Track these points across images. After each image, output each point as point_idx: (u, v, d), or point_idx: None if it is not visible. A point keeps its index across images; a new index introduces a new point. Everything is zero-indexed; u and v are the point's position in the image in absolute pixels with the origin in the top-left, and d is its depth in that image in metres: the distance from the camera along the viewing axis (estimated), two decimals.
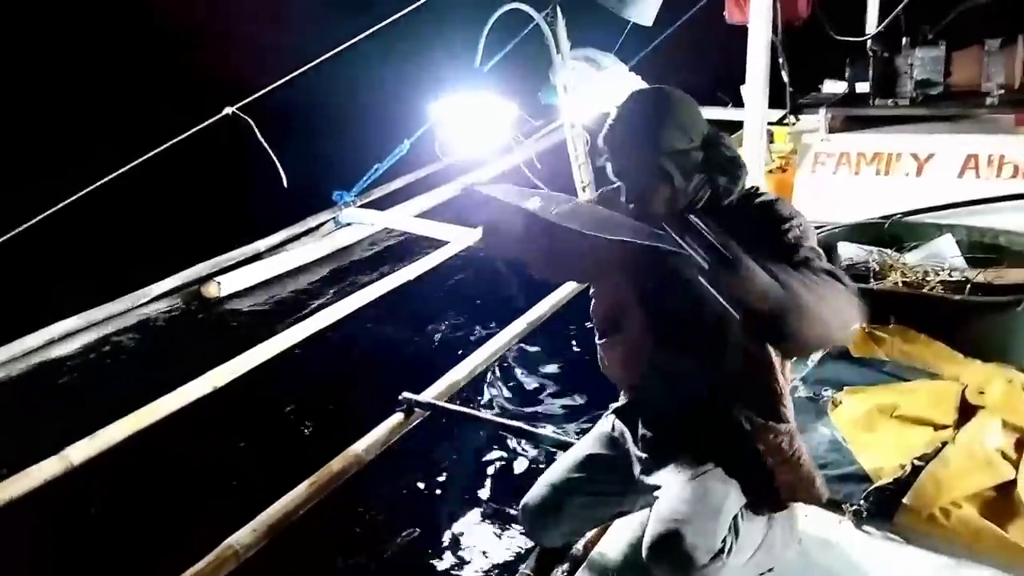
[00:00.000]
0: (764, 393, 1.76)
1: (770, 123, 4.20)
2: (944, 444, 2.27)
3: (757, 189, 1.78)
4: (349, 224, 5.97)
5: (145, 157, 2.95)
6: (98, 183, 2.87)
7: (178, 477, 3.09)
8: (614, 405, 2.06)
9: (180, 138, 2.94)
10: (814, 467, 1.86)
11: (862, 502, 2.14)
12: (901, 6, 3.55)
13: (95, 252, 5.65)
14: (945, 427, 2.37)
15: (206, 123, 2.98)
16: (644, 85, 4.57)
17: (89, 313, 4.52)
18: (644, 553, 1.69)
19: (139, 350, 4.45)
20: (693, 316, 1.69)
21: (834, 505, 2.12)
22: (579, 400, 3.45)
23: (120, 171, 2.91)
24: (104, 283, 4.81)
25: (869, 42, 3.96)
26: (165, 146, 2.92)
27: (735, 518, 1.71)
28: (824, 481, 1.89)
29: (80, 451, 2.87)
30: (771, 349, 1.73)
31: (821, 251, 1.62)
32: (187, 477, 3.09)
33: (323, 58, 3.40)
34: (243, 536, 2.34)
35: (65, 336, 4.39)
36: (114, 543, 2.84)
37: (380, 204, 6.22)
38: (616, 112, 1.74)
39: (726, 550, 1.66)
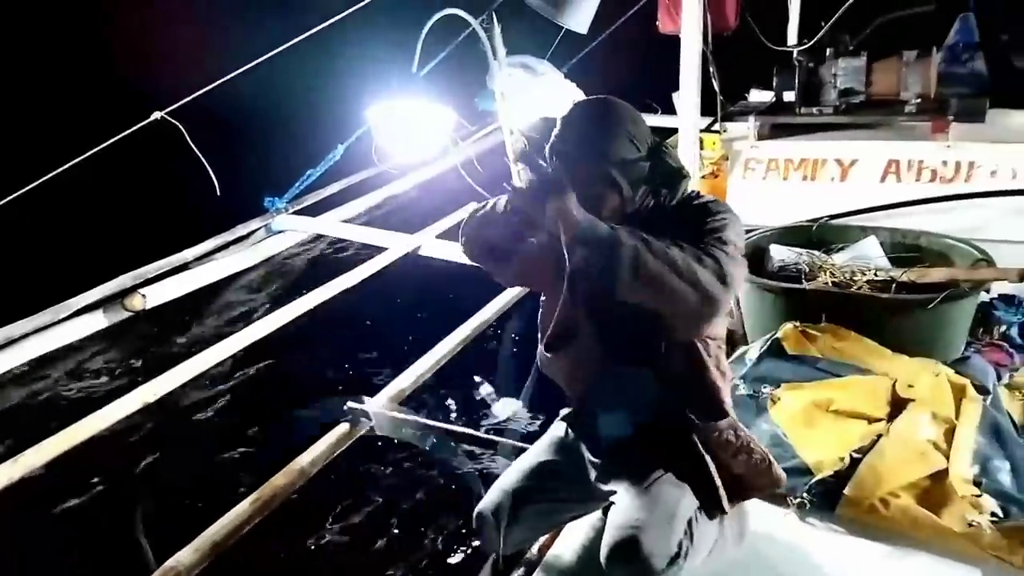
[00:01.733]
0: (701, 391, 1.80)
1: (700, 130, 4.31)
2: (879, 436, 2.36)
3: (697, 193, 1.81)
4: (281, 231, 5.81)
5: (68, 165, 2.80)
6: (18, 192, 2.71)
7: (112, 498, 2.94)
8: (564, 411, 2.07)
9: (106, 144, 2.81)
10: (766, 451, 1.90)
11: (805, 494, 2.21)
12: (830, 23, 3.70)
13: (12, 264, 5.34)
14: (879, 420, 2.47)
15: (133, 128, 2.85)
16: (579, 92, 4.65)
17: (6, 329, 4.25)
18: (603, 561, 1.70)
19: (62, 367, 4.22)
20: (638, 322, 1.71)
21: (778, 498, 2.19)
22: (527, 406, 3.45)
23: (42, 180, 2.76)
24: (22, 297, 4.54)
25: (795, 52, 4.11)
26: (90, 153, 2.78)
27: (689, 521, 1.74)
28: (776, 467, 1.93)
29: (1, 475, 2.71)
30: (699, 345, 1.76)
31: (730, 240, 1.64)
32: (122, 497, 2.94)
33: (255, 62, 3.31)
34: (185, 556, 2.24)
35: None
36: (49, 569, 2.68)
37: (313, 210, 6.08)
38: (563, 121, 1.74)
39: (682, 554, 1.68)
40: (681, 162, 1.78)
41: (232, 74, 3.16)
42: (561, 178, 1.61)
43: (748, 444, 1.85)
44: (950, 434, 2.36)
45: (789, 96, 4.38)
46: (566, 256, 1.62)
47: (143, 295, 4.76)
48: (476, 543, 2.66)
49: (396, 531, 2.76)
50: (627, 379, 1.81)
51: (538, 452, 2.01)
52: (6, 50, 8.40)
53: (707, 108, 4.22)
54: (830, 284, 3.02)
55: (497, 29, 4.23)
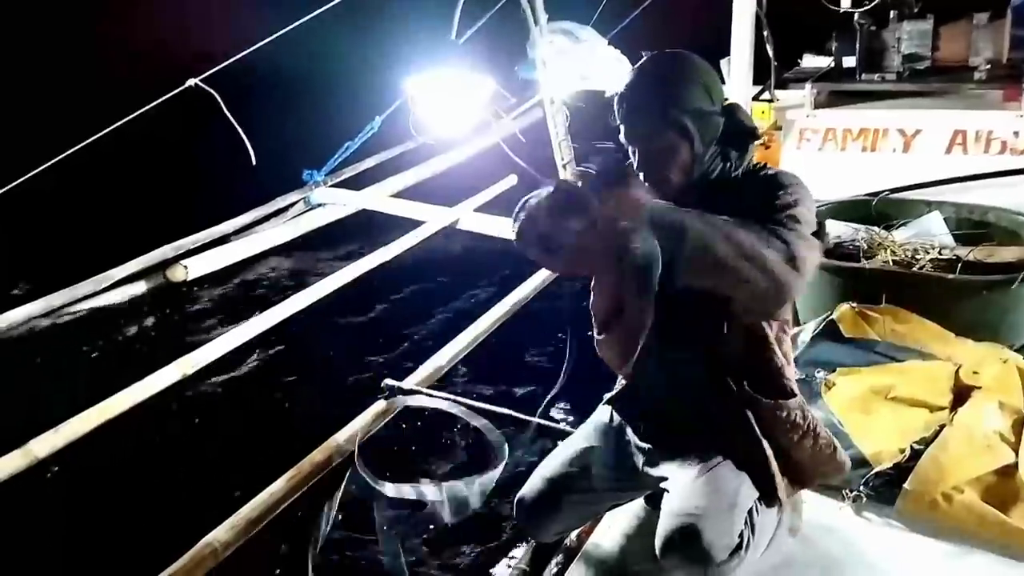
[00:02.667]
0: (766, 370, 1.70)
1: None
2: (942, 427, 2.24)
3: (764, 164, 1.71)
4: (320, 205, 5.80)
5: (103, 133, 2.77)
6: (53, 160, 2.69)
7: (150, 472, 2.96)
8: (609, 395, 1.99)
9: (141, 111, 2.77)
10: (831, 436, 1.80)
11: (862, 488, 2.10)
12: None
13: (52, 235, 5.42)
14: (941, 409, 2.35)
15: (167, 96, 2.80)
16: (624, 59, 4.50)
17: (49, 298, 4.31)
18: (658, 549, 1.61)
19: (103, 337, 4.27)
20: (693, 299, 1.61)
21: (834, 491, 2.09)
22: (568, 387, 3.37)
23: (75, 148, 2.74)
24: (64, 267, 4.60)
25: (857, 15, 3.89)
26: (124, 120, 2.74)
27: (750, 512, 1.65)
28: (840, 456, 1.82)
29: (44, 444, 2.74)
30: (764, 325, 1.67)
31: (802, 218, 1.53)
32: (159, 471, 2.96)
33: (290, 27, 3.23)
34: (221, 533, 2.22)
35: (24, 322, 4.18)
36: (85, 541, 2.71)
37: (352, 184, 6.05)
38: (633, 72, 1.66)
39: (744, 545, 1.60)
40: (753, 123, 1.69)
41: (266, 40, 3.09)
42: (623, 165, 1.54)
43: (815, 428, 1.75)
44: (1019, 425, 2.23)
45: (849, 62, 4.17)
46: (625, 242, 1.54)
47: (185, 266, 4.81)
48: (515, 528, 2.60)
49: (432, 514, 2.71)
50: (684, 361, 1.72)
51: (580, 438, 1.95)
52: (42, 19, 8.48)
53: (756, 75, 4.05)
54: (891, 263, 2.89)
55: None
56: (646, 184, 1.65)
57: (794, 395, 1.72)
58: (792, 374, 1.75)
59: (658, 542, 1.62)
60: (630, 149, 1.67)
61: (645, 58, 1.68)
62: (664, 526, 1.62)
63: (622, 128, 1.66)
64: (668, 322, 1.72)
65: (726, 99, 1.67)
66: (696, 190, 1.63)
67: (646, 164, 1.64)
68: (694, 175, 1.63)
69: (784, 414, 1.70)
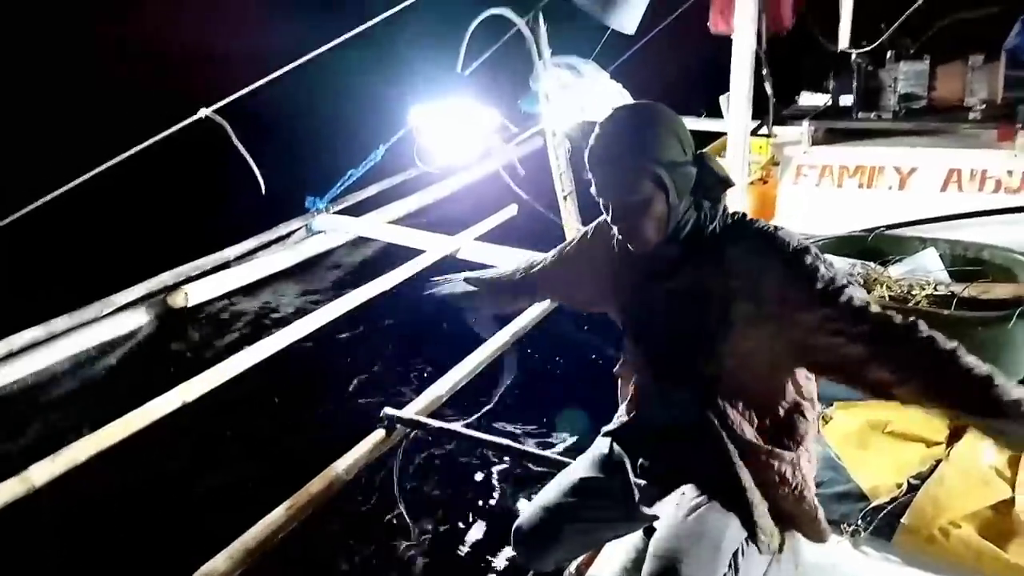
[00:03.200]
0: (768, 419, 1.71)
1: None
2: (938, 462, 2.25)
3: (743, 215, 1.68)
4: (322, 232, 5.83)
5: (115, 161, 2.82)
6: (64, 188, 2.73)
7: (148, 499, 2.94)
8: (607, 428, 2.00)
9: (152, 140, 2.82)
10: (816, 502, 1.79)
11: (860, 522, 2.11)
12: (895, 25, 3.53)
13: (57, 260, 5.44)
14: (938, 444, 2.36)
15: (179, 125, 2.85)
16: (625, 93, 4.57)
17: (51, 323, 4.32)
18: None
19: (103, 363, 4.27)
20: (683, 346, 1.68)
21: (832, 525, 2.08)
22: (564, 417, 3.38)
23: (88, 175, 2.78)
24: (67, 292, 4.61)
25: (854, 55, 3.96)
26: (136, 149, 2.79)
27: (735, 553, 1.65)
28: (825, 517, 1.82)
29: (42, 471, 2.73)
30: (783, 378, 1.68)
31: (851, 287, 1.53)
32: (157, 499, 2.94)
33: (299, 61, 3.31)
34: (219, 563, 2.23)
35: (25, 348, 4.18)
36: (79, 571, 2.69)
37: (354, 211, 6.09)
38: (603, 124, 1.63)
39: None
40: (726, 171, 1.66)
41: (276, 73, 3.15)
42: None
43: (801, 489, 1.74)
44: (1015, 461, 2.23)
45: (846, 100, 4.23)
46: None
47: (186, 292, 4.82)
48: (512, 558, 2.59)
49: (430, 543, 2.70)
50: (681, 400, 1.73)
51: (580, 469, 1.94)
52: (53, 46, 8.59)
53: (754, 111, 4.10)
54: (886, 298, 2.89)
55: (543, 29, 4.20)
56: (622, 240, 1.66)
57: (791, 450, 1.71)
58: (808, 427, 1.74)
59: None
60: (603, 204, 1.64)
61: (612, 112, 1.64)
62: (647, 567, 1.63)
63: (594, 182, 1.62)
64: (669, 361, 1.75)
65: (696, 150, 1.64)
66: (674, 246, 1.63)
67: (622, 219, 1.61)
68: (668, 228, 1.61)
69: (776, 464, 1.70)
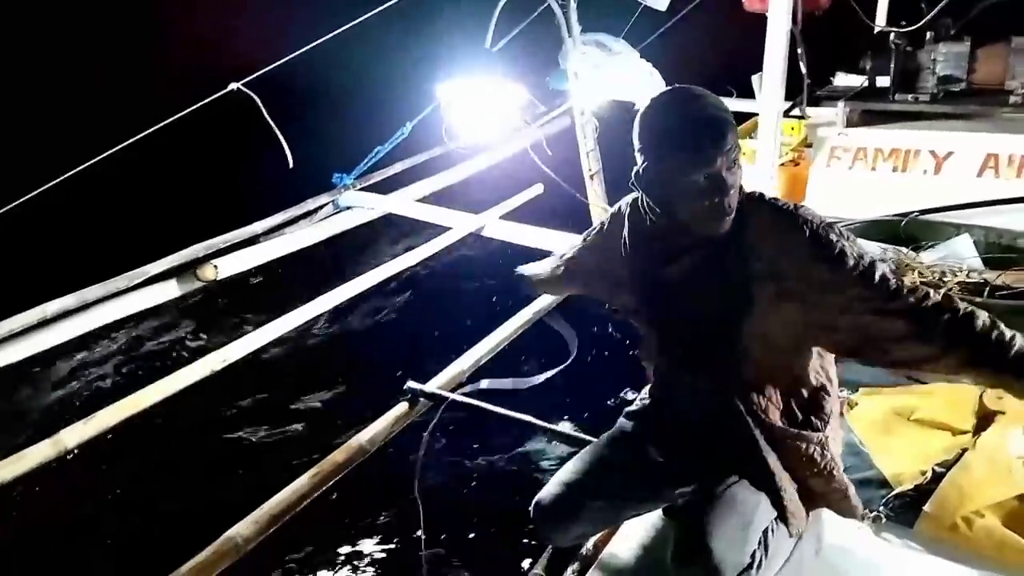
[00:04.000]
0: (793, 401, 1.71)
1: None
2: (964, 450, 2.23)
3: (762, 194, 1.65)
4: (348, 207, 5.85)
5: (146, 133, 2.85)
6: (94, 160, 2.77)
7: (176, 465, 3.01)
8: (630, 408, 2.00)
9: (183, 113, 2.84)
10: (847, 479, 1.80)
11: (882, 508, 2.10)
12: (939, 7, 3.41)
13: (90, 231, 5.54)
14: (964, 432, 2.33)
15: (211, 98, 2.87)
16: (655, 72, 4.51)
17: (83, 292, 4.40)
18: (670, 562, 1.63)
19: (136, 332, 4.35)
20: (701, 332, 1.67)
21: None
22: (591, 393, 3.38)
23: (119, 147, 2.81)
24: (99, 262, 4.69)
25: (892, 35, 3.87)
26: (167, 121, 2.82)
27: (765, 532, 1.66)
28: (856, 493, 1.83)
29: (74, 434, 2.80)
30: (806, 358, 1.67)
31: (880, 261, 1.54)
32: (186, 465, 3.01)
33: (329, 36, 3.30)
34: (244, 528, 2.26)
35: (58, 316, 4.27)
36: (110, 533, 2.77)
37: (381, 188, 6.11)
38: (668, 105, 1.56)
39: (755, 565, 1.61)
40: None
41: (306, 47, 3.15)
42: None
43: (831, 468, 1.75)
44: None
45: (883, 81, 4.14)
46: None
47: (215, 266, 4.87)
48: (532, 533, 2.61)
49: (451, 517, 2.73)
50: (707, 382, 1.73)
51: (601, 447, 1.96)
52: (87, 22, 8.67)
53: (788, 91, 4.03)
54: (918, 284, 2.85)
55: (573, 5, 4.15)
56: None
57: (819, 429, 1.72)
58: (830, 408, 1.74)
59: (671, 555, 1.64)
60: (678, 185, 1.56)
61: (662, 99, 1.58)
62: (678, 539, 1.65)
63: (670, 162, 1.55)
64: (689, 348, 1.74)
65: None
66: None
67: (710, 195, 1.54)
68: (730, 215, 1.58)
69: (804, 446, 1.70)
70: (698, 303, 1.67)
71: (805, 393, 1.71)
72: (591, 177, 4.64)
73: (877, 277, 1.49)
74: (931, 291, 1.51)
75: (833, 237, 1.52)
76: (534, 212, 5.54)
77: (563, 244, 2.23)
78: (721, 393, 1.69)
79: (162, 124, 2.77)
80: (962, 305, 1.49)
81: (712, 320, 1.65)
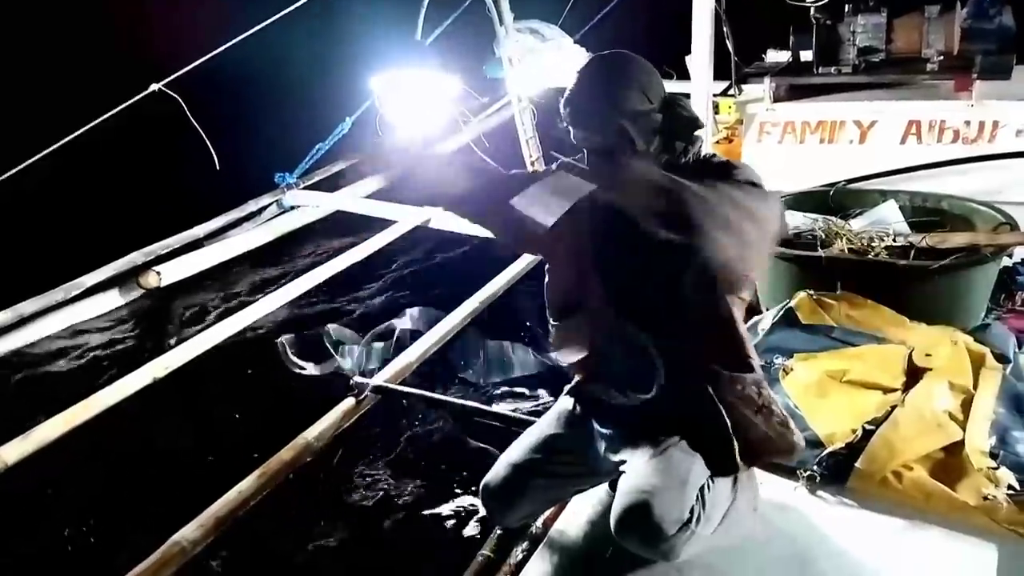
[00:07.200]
0: (728, 345, 1.76)
1: (715, 94, 4.21)
2: (893, 408, 2.29)
3: (714, 154, 1.82)
4: (293, 207, 5.79)
5: (67, 140, 2.78)
6: (18, 168, 2.70)
7: (119, 473, 2.96)
8: (569, 386, 2.03)
9: (105, 117, 2.78)
10: (786, 415, 1.86)
11: (816, 467, 2.15)
12: None
13: (19, 243, 5.36)
14: (894, 390, 2.39)
15: (131, 100, 2.82)
16: (588, 56, 4.55)
17: (19, 306, 4.28)
18: (612, 526, 1.68)
19: (75, 344, 4.25)
20: (653, 277, 1.71)
21: (789, 471, 2.14)
22: (533, 380, 3.42)
23: (40, 155, 2.74)
24: (33, 275, 4.56)
25: (812, 10, 3.96)
26: (88, 127, 2.75)
27: (702, 488, 1.71)
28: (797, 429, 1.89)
29: (13, 450, 2.74)
30: (728, 300, 1.72)
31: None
32: (129, 473, 2.97)
33: (253, 30, 3.25)
34: (190, 531, 2.25)
35: None
36: (55, 542, 2.71)
37: (325, 186, 6.06)
38: (575, 76, 1.76)
39: (694, 519, 1.66)
40: (696, 113, 1.79)
41: (229, 43, 3.10)
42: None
43: (769, 404, 1.81)
44: (967, 404, 2.28)
45: (806, 56, 4.24)
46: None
47: (158, 273, 4.77)
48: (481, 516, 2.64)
49: (401, 506, 2.74)
50: (640, 342, 1.76)
51: (544, 426, 1.99)
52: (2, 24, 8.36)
53: (722, 71, 4.10)
54: (846, 251, 2.94)
55: None
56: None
57: (753, 369, 1.78)
58: (754, 351, 1.81)
59: (613, 519, 1.68)
60: (581, 147, 1.78)
61: (585, 63, 1.77)
62: (618, 504, 1.69)
63: (570, 130, 1.77)
64: (630, 303, 1.78)
65: (665, 95, 1.76)
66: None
67: (593, 161, 1.75)
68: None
69: (740, 388, 1.76)
70: (648, 254, 1.70)
71: (735, 336, 1.76)
72: (532, 163, 4.67)
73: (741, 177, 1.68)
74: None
75: (743, 173, 1.70)
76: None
77: None
78: (657, 346, 1.73)
79: (82, 131, 2.70)
80: None
81: (660, 268, 1.68)
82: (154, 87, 2.87)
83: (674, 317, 1.73)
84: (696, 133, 1.77)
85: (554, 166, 1.93)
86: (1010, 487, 2.00)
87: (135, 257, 4.95)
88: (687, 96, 4.02)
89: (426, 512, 2.71)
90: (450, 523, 2.66)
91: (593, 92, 1.72)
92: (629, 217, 1.67)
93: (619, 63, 1.75)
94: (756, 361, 1.81)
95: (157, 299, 4.66)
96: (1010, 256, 2.90)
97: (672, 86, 5.15)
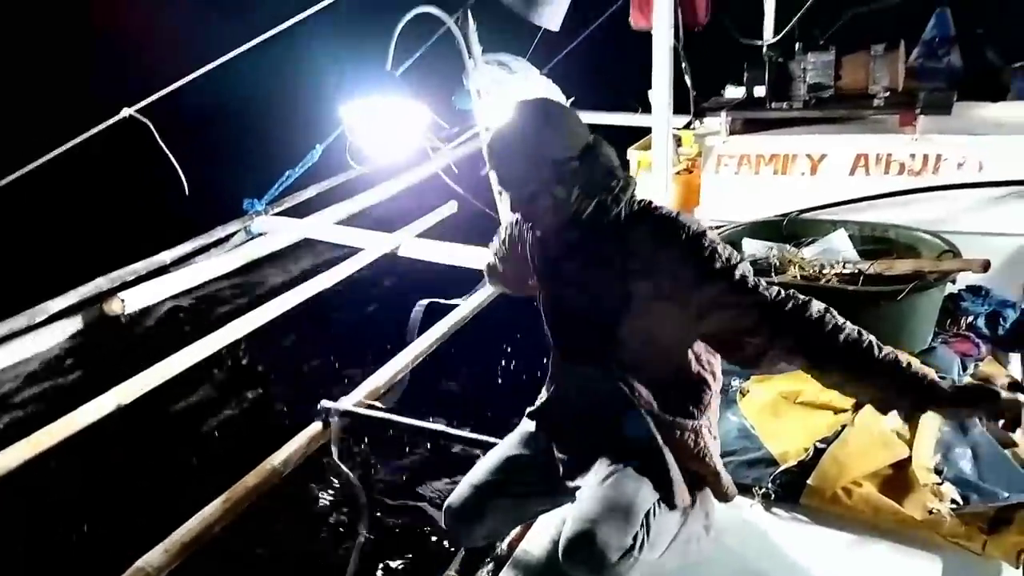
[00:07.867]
0: (669, 390, 1.83)
1: (677, 128, 4.35)
2: (844, 427, 2.39)
3: (649, 202, 1.78)
4: (261, 233, 5.79)
5: (35, 164, 2.79)
6: None
7: (84, 499, 2.92)
8: (531, 408, 2.09)
9: (74, 142, 2.79)
10: (721, 465, 1.93)
11: (770, 485, 2.23)
12: (796, 17, 3.71)
13: None
14: (844, 411, 2.49)
15: (101, 126, 2.84)
16: (556, 88, 4.67)
17: None
18: (560, 555, 1.72)
19: (37, 370, 4.19)
20: (589, 324, 1.80)
21: (744, 489, 2.21)
22: (501, 401, 3.46)
23: (7, 180, 2.74)
24: None
25: (765, 48, 4.14)
26: (57, 152, 2.76)
27: (647, 514, 1.75)
28: (731, 479, 1.96)
29: None
30: (684, 352, 1.80)
31: (744, 270, 1.68)
32: (94, 499, 2.93)
33: (226, 57, 3.30)
34: (154, 557, 2.24)
35: None
36: (18, 570, 2.67)
37: (294, 213, 6.07)
38: (499, 124, 1.74)
39: (637, 546, 1.70)
40: (616, 162, 1.75)
41: (202, 70, 3.14)
42: None
43: (703, 455, 1.87)
44: (914, 423, 2.38)
45: (760, 91, 4.41)
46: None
47: (122, 299, 4.72)
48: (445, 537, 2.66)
49: (368, 532, 2.75)
50: (593, 375, 1.84)
51: (507, 447, 2.03)
52: None
53: (684, 106, 4.25)
54: (799, 277, 3.04)
55: (472, 26, 4.27)
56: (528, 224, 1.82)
57: (693, 418, 1.84)
58: (709, 398, 1.87)
59: (560, 548, 1.72)
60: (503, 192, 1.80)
61: (510, 110, 1.73)
62: (564, 532, 1.73)
63: (493, 174, 1.82)
64: (578, 339, 1.86)
65: (587, 142, 1.72)
66: (576, 230, 1.75)
67: (516, 207, 1.76)
68: (563, 216, 1.73)
69: (678, 433, 1.83)
70: (584, 298, 1.80)
71: (685, 384, 1.84)
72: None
73: (737, 275, 1.65)
74: (783, 290, 1.68)
75: (705, 242, 1.67)
76: (449, 230, 5.61)
77: (478, 258, 2.35)
78: (605, 382, 1.80)
79: (52, 155, 2.72)
80: (802, 297, 1.66)
81: (596, 313, 1.77)
82: (125, 112, 2.89)
83: (608, 356, 1.79)
84: (616, 183, 1.72)
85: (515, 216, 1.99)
86: (953, 501, 2.10)
87: (100, 283, 4.90)
88: (647, 131, 4.17)
89: (391, 535, 2.72)
90: (416, 545, 2.67)
91: (512, 139, 1.69)
92: (556, 263, 1.81)
93: (538, 111, 1.72)
94: (706, 410, 1.87)
95: (122, 326, 4.60)
96: (954, 283, 3.03)
97: (637, 120, 5.33)
